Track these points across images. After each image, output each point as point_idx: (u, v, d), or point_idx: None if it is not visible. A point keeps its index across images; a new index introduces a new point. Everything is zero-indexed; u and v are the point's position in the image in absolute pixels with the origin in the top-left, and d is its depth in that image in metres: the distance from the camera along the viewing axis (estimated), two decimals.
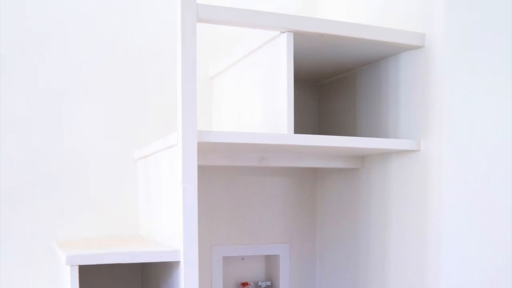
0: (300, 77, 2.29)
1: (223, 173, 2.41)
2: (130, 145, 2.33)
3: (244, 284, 2.47)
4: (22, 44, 2.19)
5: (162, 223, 1.95)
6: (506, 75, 1.87)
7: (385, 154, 2.08)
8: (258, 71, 1.98)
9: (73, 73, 2.26)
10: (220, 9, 1.70)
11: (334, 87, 2.37)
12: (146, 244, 1.95)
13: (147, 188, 2.19)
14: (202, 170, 1.79)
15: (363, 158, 2.20)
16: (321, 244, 2.53)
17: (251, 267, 2.52)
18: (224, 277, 2.44)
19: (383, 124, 2.07)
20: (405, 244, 1.99)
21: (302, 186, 2.53)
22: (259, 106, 1.97)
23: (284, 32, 1.78)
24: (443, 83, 1.80)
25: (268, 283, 2.52)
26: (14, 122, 2.19)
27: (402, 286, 2.01)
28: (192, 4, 1.63)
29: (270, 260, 2.53)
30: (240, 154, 1.98)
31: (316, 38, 1.83)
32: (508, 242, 1.91)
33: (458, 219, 1.85)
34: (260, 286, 2.51)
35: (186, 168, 1.63)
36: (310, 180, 2.55)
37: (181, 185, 1.63)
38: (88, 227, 2.30)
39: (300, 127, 2.26)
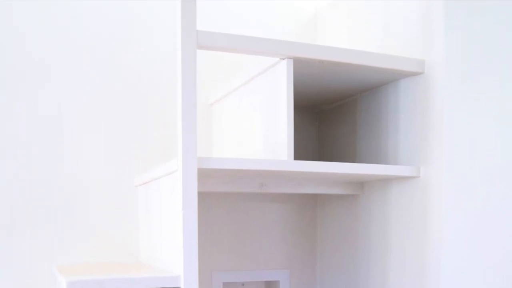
0: (300, 103, 2.29)
1: (223, 199, 2.41)
2: (130, 171, 2.34)
3: None
4: (22, 73, 2.20)
5: (163, 249, 1.95)
6: (506, 102, 1.87)
7: (385, 180, 2.08)
8: (258, 98, 1.99)
9: (73, 99, 2.27)
10: (220, 35, 1.71)
11: (334, 113, 2.37)
12: (146, 270, 1.95)
13: (147, 214, 2.19)
14: (202, 196, 1.79)
15: (362, 184, 2.20)
16: (321, 270, 2.53)
17: None
18: None
19: (383, 150, 2.07)
20: (405, 271, 1.99)
21: (302, 212, 2.53)
22: (259, 133, 1.98)
23: (284, 59, 1.79)
24: (443, 109, 1.81)
25: None
26: (15, 149, 2.19)
27: None
28: (192, 30, 1.64)
29: (270, 286, 2.53)
30: (240, 180, 1.98)
31: (316, 65, 1.84)
32: (508, 269, 1.91)
33: (458, 246, 1.84)
34: None
35: (186, 194, 1.63)
36: (310, 206, 2.54)
37: (181, 211, 1.64)
38: (88, 253, 2.30)
39: (300, 153, 2.26)
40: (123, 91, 2.34)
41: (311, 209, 2.55)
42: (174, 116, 1.72)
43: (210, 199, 2.36)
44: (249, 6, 2.55)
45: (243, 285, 2.49)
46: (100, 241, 2.32)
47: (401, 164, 1.99)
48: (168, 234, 1.86)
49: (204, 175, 1.79)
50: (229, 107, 2.28)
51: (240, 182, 1.99)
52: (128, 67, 2.35)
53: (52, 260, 2.25)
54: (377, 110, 2.11)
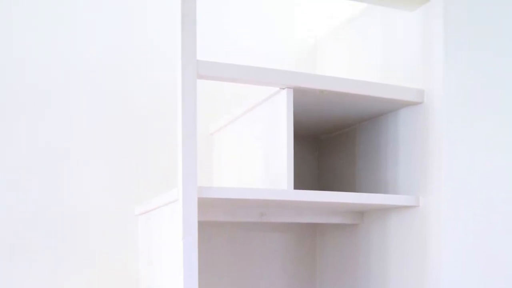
0: (300, 133, 2.30)
1: (224, 229, 2.41)
2: (130, 200, 2.34)
3: None
4: (22, 102, 2.21)
5: (163, 279, 1.94)
6: (504, 132, 1.88)
7: (384, 210, 2.08)
8: (258, 127, 1.99)
9: (73, 129, 2.27)
10: (220, 65, 1.72)
11: (334, 142, 2.38)
12: None
13: (147, 244, 2.18)
14: (203, 226, 1.79)
15: (362, 213, 2.20)
16: None
17: None
18: None
19: (382, 179, 2.07)
20: None
21: (301, 242, 2.53)
22: (259, 162, 1.98)
23: (284, 89, 1.79)
24: (442, 139, 1.82)
25: None
26: (14, 178, 2.20)
27: None
28: (192, 60, 1.65)
29: None
30: (240, 209, 1.99)
31: (316, 94, 1.85)
32: None
33: (457, 275, 1.84)
34: None
35: (187, 223, 1.64)
36: (310, 236, 2.54)
37: (181, 240, 1.64)
38: (88, 283, 2.30)
39: (300, 182, 2.27)
40: (123, 120, 2.34)
41: (310, 238, 2.55)
42: (174, 145, 1.73)
43: (210, 228, 2.36)
44: (249, 36, 2.56)
45: None
46: (101, 270, 2.31)
47: (400, 193, 1.99)
48: (168, 264, 1.86)
49: (204, 204, 1.80)
50: (229, 137, 2.29)
51: (240, 212, 1.99)
52: (128, 96, 2.36)
53: None
54: (376, 139, 2.11)
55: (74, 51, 2.28)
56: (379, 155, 2.10)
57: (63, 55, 2.26)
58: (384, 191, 2.06)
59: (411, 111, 1.96)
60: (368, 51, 2.22)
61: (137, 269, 2.34)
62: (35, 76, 2.23)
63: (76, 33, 2.28)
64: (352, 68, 2.36)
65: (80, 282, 2.29)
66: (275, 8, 2.63)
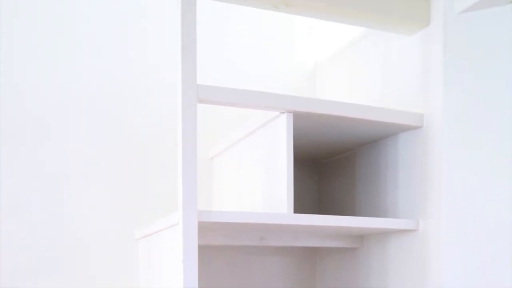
0: (300, 157, 2.30)
1: (223, 252, 2.41)
2: (131, 224, 2.34)
3: None
4: (23, 127, 2.21)
5: None
6: (504, 156, 1.88)
7: (384, 234, 2.08)
8: (258, 151, 2.00)
9: (73, 154, 2.28)
10: (220, 89, 1.73)
11: (334, 166, 2.39)
12: None
13: (148, 268, 2.18)
14: (203, 250, 1.79)
15: (362, 237, 2.20)
16: None
17: None
18: None
19: (382, 203, 2.08)
20: None
21: (301, 266, 2.53)
22: (259, 186, 1.99)
23: (283, 113, 1.80)
24: (442, 163, 1.82)
25: None
26: (15, 204, 2.20)
27: None
28: (193, 84, 1.66)
29: None
30: (240, 233, 1.99)
31: (315, 119, 1.86)
32: None
33: None
34: None
35: (187, 247, 1.64)
36: (310, 260, 2.54)
37: (181, 264, 1.64)
38: None
39: (300, 206, 2.27)
40: (123, 145, 2.35)
41: (310, 262, 2.54)
42: (174, 169, 1.73)
43: (210, 252, 2.36)
44: (249, 60, 2.58)
45: None
46: None
47: (400, 217, 2.00)
48: (168, 287, 1.86)
49: (205, 228, 1.80)
50: (229, 161, 2.29)
51: (240, 235, 1.99)
52: (128, 121, 2.37)
53: None
54: (376, 163, 2.12)
55: (74, 77, 2.29)
56: (378, 179, 2.10)
57: (64, 81, 2.27)
58: (384, 215, 2.07)
59: (410, 135, 1.96)
60: (367, 75, 2.23)
61: None
62: (35, 103, 2.24)
63: (77, 60, 2.29)
64: (352, 92, 2.37)
65: None
66: (275, 32, 2.64)
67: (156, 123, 2.40)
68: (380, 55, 2.15)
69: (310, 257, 2.54)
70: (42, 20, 2.25)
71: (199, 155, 2.05)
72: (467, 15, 1.85)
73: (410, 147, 1.97)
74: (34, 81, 2.24)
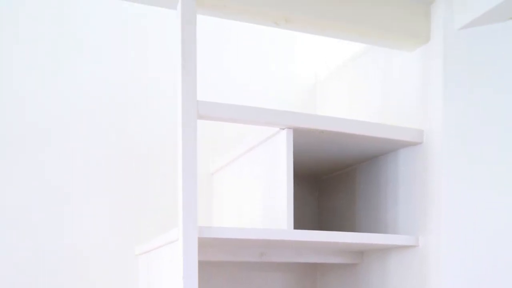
0: (300, 173, 2.30)
1: (224, 268, 2.40)
2: (131, 240, 2.34)
3: None
4: (23, 139, 2.21)
5: None
6: (504, 171, 1.88)
7: (384, 250, 2.08)
8: (258, 167, 2.00)
9: (73, 169, 2.28)
10: (220, 105, 1.73)
11: (334, 182, 2.39)
12: None
13: (148, 284, 2.18)
14: (203, 266, 1.79)
15: (362, 253, 2.20)
16: None
17: None
18: None
19: (382, 219, 2.08)
20: None
21: (302, 282, 2.53)
22: (259, 202, 1.99)
23: (284, 129, 1.80)
24: (441, 179, 1.82)
25: None
26: (15, 216, 2.20)
27: None
28: (193, 100, 1.66)
29: None
30: (241, 249, 1.99)
31: (315, 135, 1.86)
32: None
33: None
34: None
35: (187, 263, 1.64)
36: (310, 275, 2.54)
37: (182, 280, 1.63)
38: None
39: (300, 222, 2.27)
40: (124, 160, 2.35)
41: (311, 278, 2.54)
42: (174, 185, 1.73)
43: (211, 268, 2.36)
44: (249, 76, 2.58)
45: None
46: None
47: (400, 233, 1.99)
48: None
49: (205, 244, 1.80)
50: (229, 177, 2.29)
51: (240, 251, 1.99)
52: (128, 136, 2.37)
53: None
54: (376, 179, 2.12)
55: (75, 92, 2.29)
56: (378, 195, 2.10)
57: (64, 94, 2.28)
58: (384, 231, 2.07)
59: (410, 151, 1.97)
60: (368, 91, 2.24)
61: None
62: (35, 115, 2.24)
63: (77, 70, 2.30)
64: (352, 108, 2.37)
65: None
66: (275, 48, 2.65)
67: (157, 136, 2.40)
68: (380, 71, 2.16)
69: (311, 273, 2.54)
70: (42, 31, 2.26)
71: (199, 171, 2.06)
72: (467, 31, 1.85)
73: (410, 163, 1.97)
74: (34, 89, 2.24)
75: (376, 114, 2.18)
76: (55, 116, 2.27)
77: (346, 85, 2.42)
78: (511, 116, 1.85)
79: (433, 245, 1.86)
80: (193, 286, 1.65)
